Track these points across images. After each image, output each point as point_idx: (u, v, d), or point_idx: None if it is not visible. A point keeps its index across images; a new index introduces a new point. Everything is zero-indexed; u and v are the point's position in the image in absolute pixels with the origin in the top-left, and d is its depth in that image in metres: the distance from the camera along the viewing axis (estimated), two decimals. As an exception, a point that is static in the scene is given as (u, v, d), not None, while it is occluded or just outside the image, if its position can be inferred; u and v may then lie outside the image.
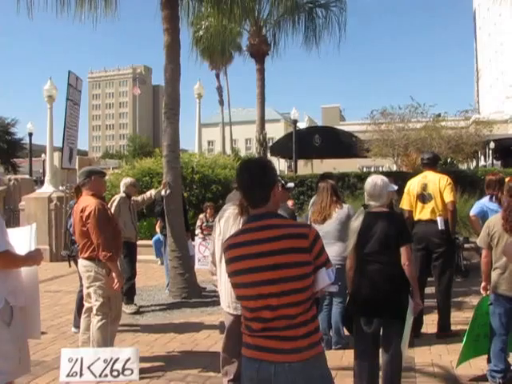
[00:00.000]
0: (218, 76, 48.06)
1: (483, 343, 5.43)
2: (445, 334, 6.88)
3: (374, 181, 4.82)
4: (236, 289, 3.02)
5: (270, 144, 29.13)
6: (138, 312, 8.68)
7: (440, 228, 6.94)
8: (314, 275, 2.89)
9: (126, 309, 8.47)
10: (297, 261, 2.82)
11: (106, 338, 5.81)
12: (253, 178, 2.98)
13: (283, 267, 2.80)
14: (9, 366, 3.87)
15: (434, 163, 7.45)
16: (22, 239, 4.26)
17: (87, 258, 5.90)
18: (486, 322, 5.35)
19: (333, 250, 5.88)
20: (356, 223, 4.83)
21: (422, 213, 7.12)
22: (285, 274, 2.79)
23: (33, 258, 4.14)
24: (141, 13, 41.17)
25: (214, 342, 6.88)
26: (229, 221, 4.58)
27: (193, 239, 11.17)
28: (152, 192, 9.71)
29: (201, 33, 20.88)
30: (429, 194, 7.07)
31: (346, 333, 5.81)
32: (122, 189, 9.12)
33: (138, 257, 9.59)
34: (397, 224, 4.74)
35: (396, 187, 5.36)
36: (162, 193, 9.77)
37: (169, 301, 9.61)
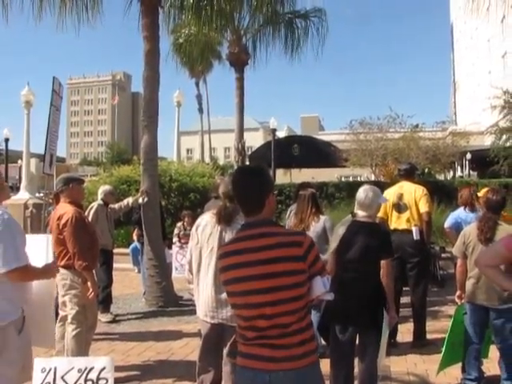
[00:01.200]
0: (197, 84, 48.06)
1: (458, 351, 5.48)
2: (420, 342, 6.91)
3: (366, 191, 4.85)
4: (230, 297, 2.99)
5: (249, 153, 29.17)
6: (114, 321, 8.62)
7: (415, 238, 7.01)
8: (309, 283, 2.87)
9: (102, 317, 8.39)
10: (292, 269, 2.80)
11: (81, 347, 5.74)
12: (248, 185, 2.97)
13: (278, 276, 2.77)
14: (13, 371, 3.91)
15: (410, 174, 7.53)
16: (36, 249, 4.32)
17: (63, 267, 5.83)
18: (460, 330, 5.40)
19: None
20: (341, 229, 4.87)
21: (398, 222, 7.17)
22: (280, 282, 2.77)
23: (50, 271, 4.27)
24: (121, 19, 41.09)
25: (190, 350, 6.83)
26: (206, 229, 4.57)
27: (170, 247, 11.12)
28: (129, 200, 9.66)
29: (181, 41, 20.83)
30: (404, 204, 7.13)
31: (323, 342, 5.81)
32: (100, 196, 9.07)
33: (115, 265, 9.52)
34: (380, 236, 4.78)
35: (386, 199, 5.39)
36: (140, 201, 9.73)
37: (145, 309, 9.56)
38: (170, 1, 13.98)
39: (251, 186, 2.97)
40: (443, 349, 5.46)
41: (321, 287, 2.89)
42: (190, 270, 4.78)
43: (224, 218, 4.47)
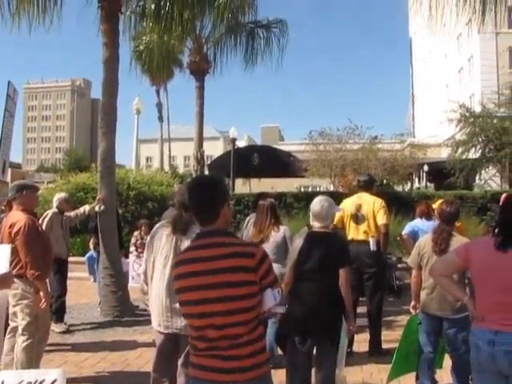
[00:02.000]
0: (158, 92, 47.69)
1: (412, 361, 5.53)
2: (376, 352, 6.96)
3: (321, 202, 4.88)
4: (182, 306, 2.99)
5: (209, 162, 29.07)
6: (67, 331, 8.44)
7: (372, 249, 7.08)
8: (260, 295, 2.87)
9: (55, 328, 8.21)
10: (242, 280, 2.80)
11: (32, 359, 5.58)
12: (203, 195, 2.98)
13: (228, 286, 2.78)
14: None
15: (369, 185, 7.62)
16: None
17: (15, 276, 5.68)
18: (415, 340, 5.45)
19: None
20: (298, 241, 4.89)
21: (355, 233, 7.23)
22: (229, 292, 2.77)
23: (4, 281, 4.17)
24: (81, 25, 40.65)
25: (145, 361, 6.72)
26: (161, 239, 4.52)
27: (127, 256, 10.98)
28: (86, 208, 9.50)
29: (141, 48, 20.69)
30: (362, 215, 7.20)
31: (280, 352, 5.80)
32: (55, 204, 8.90)
33: (71, 274, 9.35)
34: (338, 245, 4.85)
35: (341, 209, 5.44)
36: (96, 209, 9.58)
37: (100, 319, 9.39)
38: (131, 7, 13.90)
39: (205, 196, 2.98)
40: (394, 357, 5.51)
41: (271, 300, 2.89)
42: (145, 281, 4.72)
43: (179, 227, 4.43)
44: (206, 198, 2.97)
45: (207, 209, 2.96)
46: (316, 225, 4.87)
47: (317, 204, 4.88)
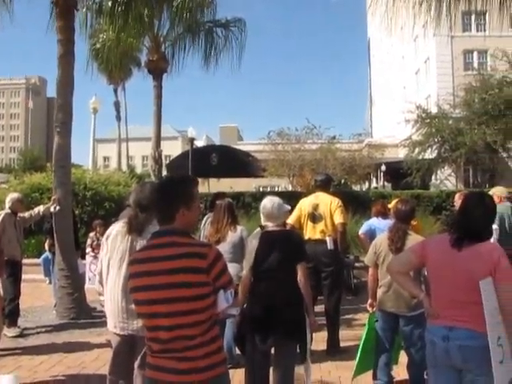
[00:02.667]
0: (116, 91, 47.20)
1: (370, 358, 5.56)
2: (334, 350, 7.00)
3: (271, 202, 4.94)
4: (136, 306, 2.97)
5: (167, 162, 28.86)
6: (21, 335, 8.22)
7: (329, 248, 7.12)
8: (213, 296, 2.85)
9: (8, 332, 8.00)
10: (193, 281, 2.78)
11: (-17, 364, 5.43)
12: (161, 195, 2.99)
13: (179, 287, 2.75)
14: None
15: (326, 185, 7.67)
16: None
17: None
18: (372, 337, 5.50)
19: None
20: (253, 243, 4.91)
21: (312, 232, 7.26)
22: (180, 293, 2.75)
23: None
24: (36, 21, 39.94)
25: (102, 363, 6.58)
26: (116, 239, 4.44)
27: (83, 257, 10.80)
28: (40, 208, 9.28)
29: (98, 46, 20.38)
30: (319, 215, 7.23)
31: (238, 351, 5.77)
32: (7, 205, 8.67)
33: (26, 276, 9.14)
34: (293, 242, 4.89)
35: (289, 207, 5.48)
36: (51, 209, 9.38)
37: (56, 322, 9.19)
38: (87, 4, 13.68)
39: (162, 196, 2.99)
40: (357, 356, 5.54)
41: (222, 302, 2.88)
42: (101, 281, 4.63)
43: (134, 228, 4.35)
44: (162, 197, 2.97)
45: (163, 207, 2.95)
46: (269, 224, 4.92)
47: (267, 204, 4.95)
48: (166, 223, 2.93)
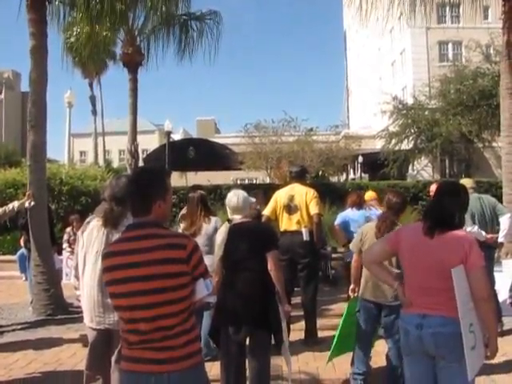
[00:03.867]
0: (91, 85, 46.66)
1: (348, 342, 5.59)
2: (312, 340, 7.04)
3: (236, 195, 5.01)
4: (113, 299, 2.94)
5: (144, 155, 28.69)
6: (-4, 332, 8.14)
7: (305, 239, 7.13)
8: (192, 285, 2.86)
9: (-16, 329, 7.92)
10: (173, 271, 2.78)
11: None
12: (136, 187, 2.97)
13: (159, 278, 2.75)
14: None
15: (301, 176, 7.69)
16: None
17: None
18: (352, 322, 5.51)
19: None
20: (221, 236, 4.98)
21: (288, 224, 7.27)
22: (160, 284, 2.75)
23: None
24: (9, 14, 39.33)
25: (79, 359, 6.52)
26: (92, 233, 4.41)
27: (60, 253, 10.71)
28: (15, 204, 9.14)
29: (72, 39, 20.14)
30: (295, 206, 7.24)
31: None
32: (-19, 200, 8.56)
33: (1, 273, 9.06)
34: (262, 232, 4.96)
35: (254, 199, 5.55)
36: (26, 205, 9.25)
37: (32, 318, 9.11)
38: (60, -4, 13.47)
39: (138, 187, 2.96)
40: (335, 338, 5.56)
41: (203, 290, 2.90)
42: (77, 276, 4.59)
43: (110, 222, 4.32)
44: (138, 188, 2.95)
45: (139, 200, 2.92)
46: (236, 217, 4.98)
47: (233, 197, 5.01)
48: (142, 215, 2.90)
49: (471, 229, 6.69)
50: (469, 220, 6.71)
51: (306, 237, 7.13)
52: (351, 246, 5.78)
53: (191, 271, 2.85)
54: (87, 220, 4.68)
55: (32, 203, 9.29)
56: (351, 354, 5.58)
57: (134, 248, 2.81)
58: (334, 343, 5.58)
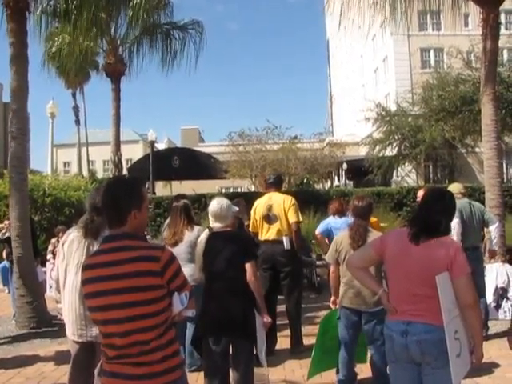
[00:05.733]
0: (74, 95, 46.43)
1: (333, 356, 5.56)
2: (297, 349, 7.01)
3: (219, 203, 4.96)
4: (90, 312, 2.90)
5: (129, 165, 28.59)
6: (-21, 346, 8.02)
7: (286, 248, 7.11)
8: (168, 299, 2.80)
9: (-34, 343, 7.80)
10: (147, 284, 2.72)
11: None
12: (111, 198, 2.90)
13: (133, 291, 2.69)
14: None
15: (278, 184, 7.71)
16: None
17: None
18: (334, 335, 5.50)
19: (184, 272, 5.81)
20: (201, 245, 4.94)
21: (268, 233, 7.25)
22: (134, 298, 2.69)
23: None
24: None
25: (63, 373, 6.40)
26: (72, 244, 4.36)
27: (43, 265, 10.60)
28: None
29: (54, 49, 20.06)
30: (274, 215, 7.22)
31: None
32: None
33: (-17, 286, 8.91)
34: (241, 241, 4.90)
35: (237, 208, 5.51)
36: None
37: (15, 332, 8.98)
38: (41, 6, 13.42)
39: (112, 198, 2.90)
40: (313, 354, 5.55)
41: (178, 304, 2.85)
42: (58, 289, 4.53)
43: (90, 232, 4.27)
44: (112, 199, 2.89)
45: (114, 211, 2.87)
46: (217, 225, 4.94)
47: (215, 206, 4.96)
48: (117, 226, 2.85)
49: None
50: (457, 217, 6.77)
51: (286, 245, 7.10)
52: (327, 257, 5.75)
53: (166, 284, 2.79)
54: (68, 231, 4.63)
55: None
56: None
57: (109, 261, 2.77)
58: (312, 358, 5.55)
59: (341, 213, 8.21)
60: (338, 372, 5.53)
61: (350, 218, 6.36)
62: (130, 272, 2.71)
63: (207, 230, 5.04)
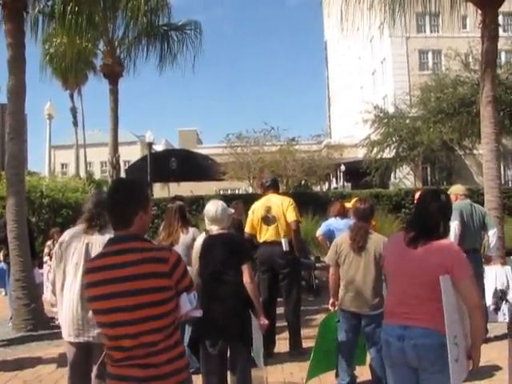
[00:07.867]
0: (72, 96, 46.31)
1: (331, 359, 5.54)
2: (296, 351, 6.98)
3: (215, 206, 4.95)
4: (95, 315, 2.86)
5: (126, 167, 28.55)
6: (-25, 349, 7.96)
7: (284, 249, 7.09)
8: (176, 300, 2.79)
9: (-38, 346, 7.75)
10: (156, 286, 2.71)
11: None
12: (117, 199, 2.88)
13: (142, 293, 2.67)
14: None
15: (275, 186, 7.69)
16: None
17: None
18: (333, 338, 5.48)
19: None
20: (197, 248, 4.98)
21: (267, 235, 7.22)
22: (144, 299, 2.67)
23: None
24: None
25: (60, 375, 6.40)
26: (71, 244, 4.33)
27: (40, 267, 10.55)
28: None
29: (52, 50, 20.01)
30: (273, 217, 7.20)
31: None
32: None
33: (-21, 288, 8.86)
34: (237, 244, 4.89)
35: (233, 210, 5.50)
36: None
37: (12, 335, 8.93)
38: (38, 7, 13.38)
39: (118, 199, 2.88)
40: (311, 356, 5.51)
41: (186, 304, 2.83)
42: (54, 292, 4.48)
43: (95, 225, 4.29)
44: (119, 201, 2.86)
45: (120, 212, 2.85)
46: (213, 228, 4.92)
47: (211, 208, 4.95)
48: (123, 228, 2.83)
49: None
50: (457, 216, 6.77)
51: (285, 247, 7.08)
52: (327, 259, 5.73)
53: (174, 285, 2.77)
54: (65, 232, 4.59)
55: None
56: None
57: (115, 263, 2.74)
58: (311, 361, 5.52)
59: (343, 214, 8.19)
60: (337, 375, 5.51)
61: (351, 220, 6.35)
62: (138, 274, 2.69)
63: (204, 233, 5.03)
